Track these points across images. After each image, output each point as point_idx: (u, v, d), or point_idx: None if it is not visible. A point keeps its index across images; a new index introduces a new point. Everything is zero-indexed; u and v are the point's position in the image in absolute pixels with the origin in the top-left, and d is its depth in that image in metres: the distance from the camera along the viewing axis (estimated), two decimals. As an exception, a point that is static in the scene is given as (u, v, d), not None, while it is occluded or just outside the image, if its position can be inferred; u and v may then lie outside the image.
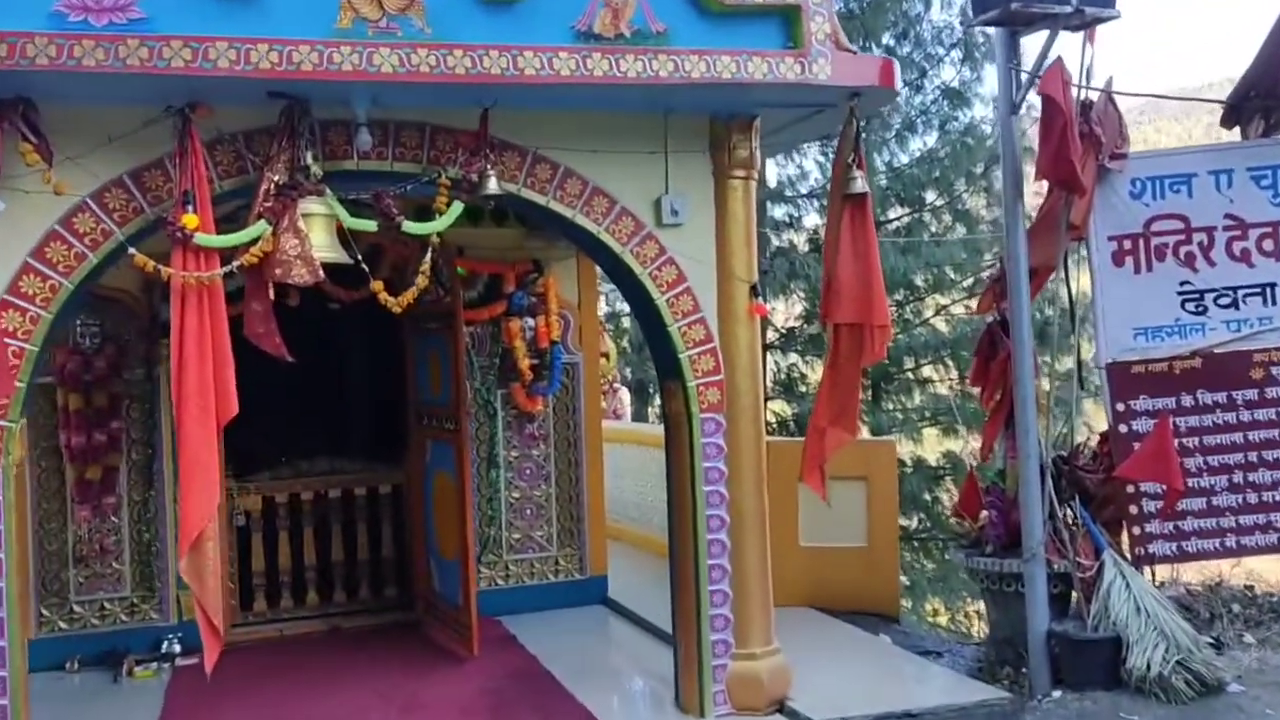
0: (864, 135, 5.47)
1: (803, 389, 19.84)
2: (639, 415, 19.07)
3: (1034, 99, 5.75)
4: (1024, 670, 5.88)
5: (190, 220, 4.50)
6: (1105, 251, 5.98)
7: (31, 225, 4.58)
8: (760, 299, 5.65)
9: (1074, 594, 5.89)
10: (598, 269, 8.58)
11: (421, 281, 5.03)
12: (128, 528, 7.13)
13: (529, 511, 8.06)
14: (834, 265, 5.46)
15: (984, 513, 6.16)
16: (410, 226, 4.95)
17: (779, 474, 6.31)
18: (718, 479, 5.58)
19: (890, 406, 18.84)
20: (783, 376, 19.62)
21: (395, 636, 7.47)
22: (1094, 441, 6.29)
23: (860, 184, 5.33)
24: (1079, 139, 5.52)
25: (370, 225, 4.92)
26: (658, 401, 21.26)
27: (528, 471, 8.06)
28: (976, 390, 6.72)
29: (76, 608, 7.03)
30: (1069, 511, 5.87)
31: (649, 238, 5.52)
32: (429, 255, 5.06)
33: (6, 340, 4.54)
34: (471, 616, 6.80)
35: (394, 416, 8.54)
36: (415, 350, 7.66)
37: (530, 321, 7.98)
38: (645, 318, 5.76)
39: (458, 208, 5.02)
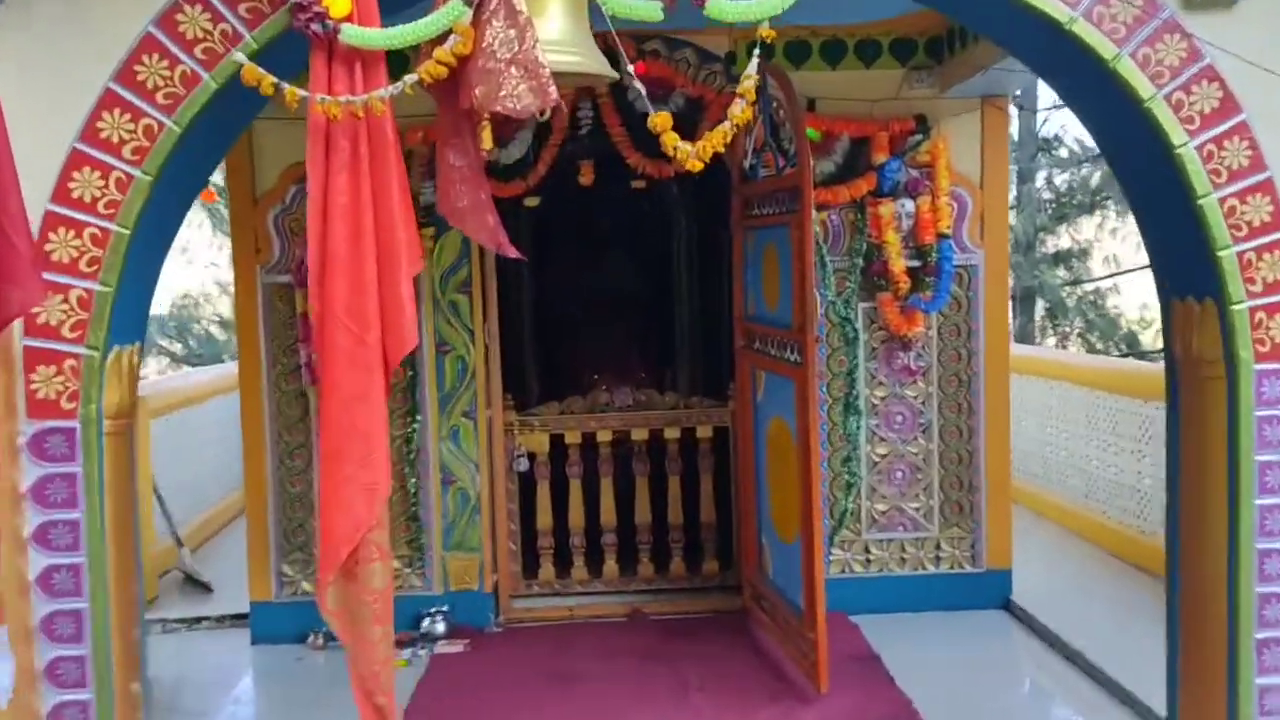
0: None
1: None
2: (1022, 335, 15.95)
3: None
4: None
5: (337, 4, 2.53)
6: None
7: (112, 30, 2.81)
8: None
9: None
10: (1013, 124, 5.96)
11: (739, 114, 2.79)
12: (382, 470, 5.60)
13: (900, 475, 5.73)
14: None
15: None
16: (717, 7, 2.70)
17: None
18: (1285, 484, 3.00)
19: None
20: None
21: (713, 635, 5.50)
22: None
23: None
24: None
25: (652, 10, 2.71)
26: (1038, 313, 17.93)
27: (899, 419, 5.72)
28: None
29: (313, 566, 5.62)
30: None
31: (1168, 30, 2.93)
32: (753, 67, 2.80)
33: (81, 217, 2.82)
34: (819, 636, 4.65)
35: (720, 337, 6.50)
36: (747, 247, 5.49)
37: (909, 205, 5.56)
38: (1146, 180, 3.21)
39: (808, -32, 2.72)
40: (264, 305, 5.51)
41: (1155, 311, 15.48)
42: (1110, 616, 5.60)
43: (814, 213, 4.90)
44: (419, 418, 5.56)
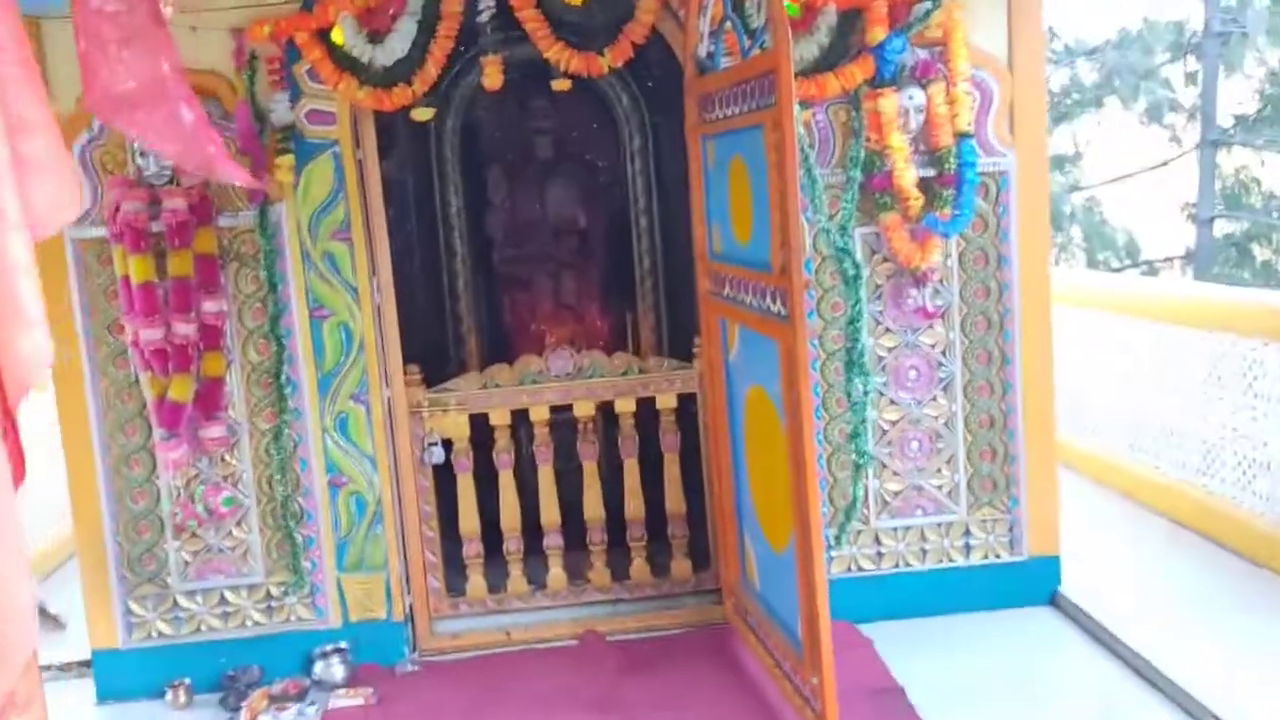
0: None
1: (1255, 199, 14.63)
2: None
3: None
4: None
5: None
6: None
7: None
8: None
9: None
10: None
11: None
12: (252, 474, 4.34)
13: (916, 445, 4.50)
14: None
15: None
16: None
17: None
18: None
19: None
20: (1229, 182, 14.50)
21: (687, 663, 4.32)
22: None
23: None
24: None
25: None
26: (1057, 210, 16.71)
27: (913, 375, 4.47)
28: None
29: (183, 601, 4.39)
30: None
31: None
32: None
33: None
34: (825, 684, 3.44)
35: (688, 278, 5.23)
36: (707, 162, 4.19)
37: (917, 96, 4.25)
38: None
39: None
40: (76, 268, 4.19)
41: (1159, 218, 13.99)
42: (1178, 606, 4.47)
43: (795, 110, 3.59)
44: (290, 403, 4.28)
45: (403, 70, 4.13)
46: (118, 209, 4.00)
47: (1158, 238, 16.87)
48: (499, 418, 4.62)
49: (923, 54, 4.26)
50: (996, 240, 4.42)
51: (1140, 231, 17.01)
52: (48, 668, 4.60)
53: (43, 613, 5.07)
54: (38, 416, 5.56)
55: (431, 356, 6.06)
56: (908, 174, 4.24)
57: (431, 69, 4.12)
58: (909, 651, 4.25)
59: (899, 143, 4.23)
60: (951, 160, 4.25)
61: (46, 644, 4.81)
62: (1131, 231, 16.99)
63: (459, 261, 6.30)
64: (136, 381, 4.20)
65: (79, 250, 4.16)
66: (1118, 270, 16.63)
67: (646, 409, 4.68)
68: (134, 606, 4.35)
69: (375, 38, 4.10)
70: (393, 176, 6.29)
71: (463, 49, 4.38)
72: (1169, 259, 16.31)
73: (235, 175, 1.65)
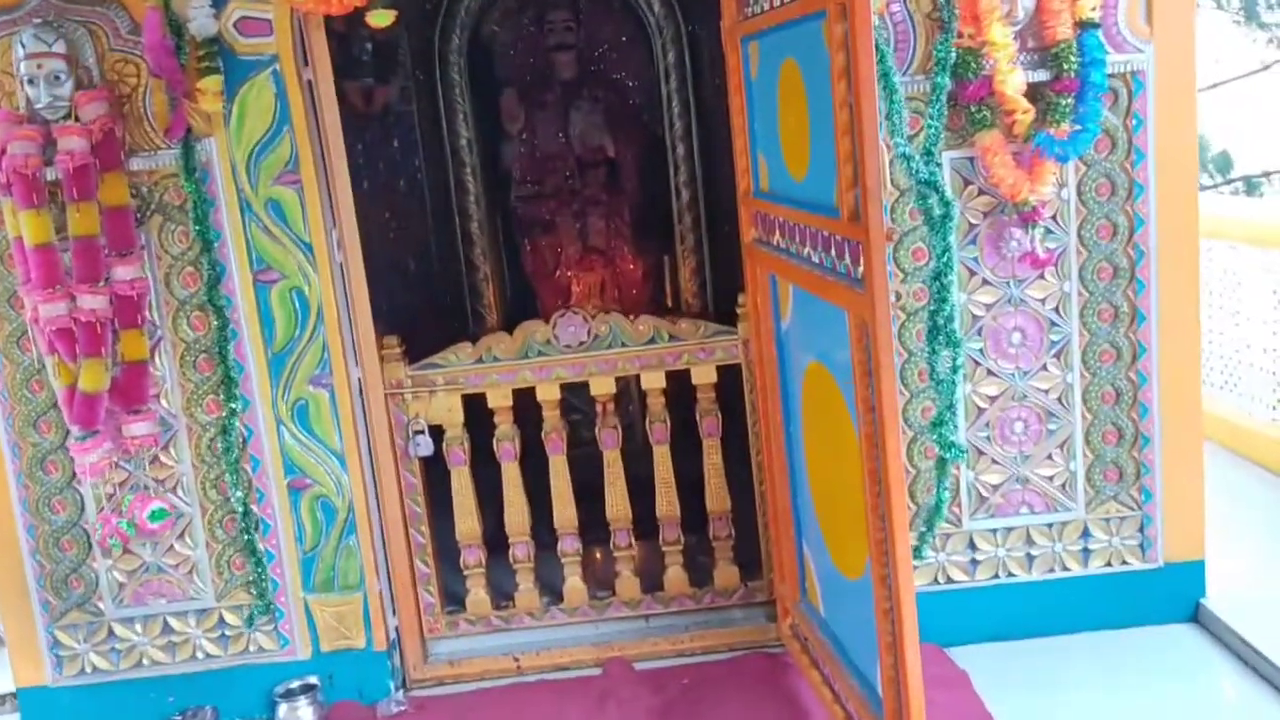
0: None
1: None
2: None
3: None
4: None
5: None
6: None
7: None
8: None
9: None
10: None
11: None
12: (194, 478, 3.53)
13: (1020, 427, 3.55)
14: None
15: None
16: None
17: None
18: None
19: None
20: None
21: (736, 700, 3.47)
22: None
23: None
24: None
25: None
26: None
27: (1016, 338, 3.50)
28: None
29: (119, 630, 3.62)
30: None
31: None
32: None
33: None
34: (911, 774, 2.58)
35: (728, 219, 4.32)
36: (749, 71, 3.22)
37: (1026, -25, 3.23)
38: None
39: None
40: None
41: (1256, 130, 12.46)
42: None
43: (866, -6, 2.60)
44: (238, 393, 3.45)
45: (351, -41, 3.20)
46: (3, 152, 3.16)
47: (1254, 151, 15.41)
48: (498, 399, 3.75)
49: (1032, -81, 3.23)
50: (1128, 163, 3.40)
51: (1234, 145, 15.58)
52: (-26, 702, 3.91)
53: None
54: None
55: (443, 313, 5.26)
56: (1013, 78, 3.23)
57: (389, -43, 3.20)
58: (1012, 682, 3.41)
59: (1001, 37, 3.21)
60: (1071, 59, 3.24)
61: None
62: (1224, 145, 15.56)
63: (472, 201, 5.46)
64: (44, 368, 3.39)
65: (-46, 206, 3.33)
66: (1208, 189, 15.27)
67: (683, 384, 3.78)
68: (61, 636, 3.59)
69: (312, -81, 3.18)
70: (395, 106, 5.45)
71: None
72: (1267, 174, 14.89)
73: None
